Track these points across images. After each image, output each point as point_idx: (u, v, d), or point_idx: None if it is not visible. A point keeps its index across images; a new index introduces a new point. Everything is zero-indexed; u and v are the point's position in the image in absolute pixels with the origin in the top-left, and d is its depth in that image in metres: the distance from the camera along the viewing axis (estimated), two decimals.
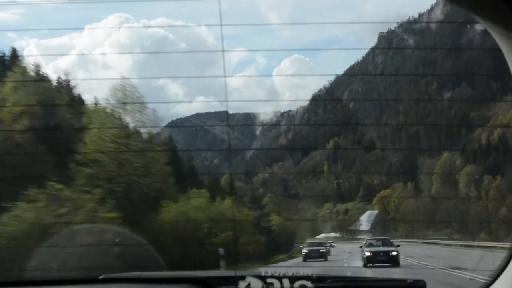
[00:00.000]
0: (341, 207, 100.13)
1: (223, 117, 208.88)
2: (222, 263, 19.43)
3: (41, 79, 25.18)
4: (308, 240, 38.33)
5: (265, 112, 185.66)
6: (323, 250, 36.38)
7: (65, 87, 30.71)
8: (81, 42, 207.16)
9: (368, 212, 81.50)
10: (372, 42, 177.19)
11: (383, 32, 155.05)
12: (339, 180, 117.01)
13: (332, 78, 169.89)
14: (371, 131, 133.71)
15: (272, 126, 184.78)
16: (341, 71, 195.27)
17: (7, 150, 18.45)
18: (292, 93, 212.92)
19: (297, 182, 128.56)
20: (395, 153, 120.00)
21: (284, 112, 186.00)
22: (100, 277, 2.92)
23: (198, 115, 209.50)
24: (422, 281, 2.78)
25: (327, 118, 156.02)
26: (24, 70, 23.12)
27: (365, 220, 79.97)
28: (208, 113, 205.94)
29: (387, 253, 27.23)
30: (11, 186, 16.93)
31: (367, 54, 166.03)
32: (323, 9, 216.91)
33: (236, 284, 2.67)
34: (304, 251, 36.78)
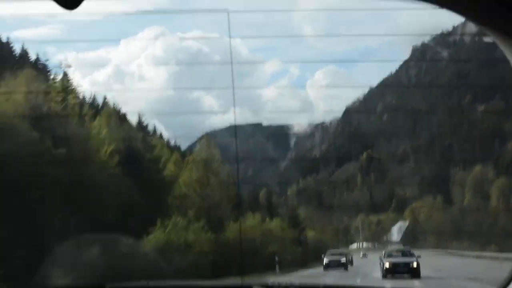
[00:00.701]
0: (373, 218, 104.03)
1: (259, 129, 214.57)
2: (277, 267, 26.01)
3: (123, 119, 30.65)
4: (329, 250, 40.51)
5: (299, 123, 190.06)
6: (343, 260, 37.23)
7: (142, 127, 36.52)
8: (117, 56, 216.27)
9: (399, 223, 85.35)
10: (406, 54, 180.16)
11: (416, 45, 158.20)
12: (372, 192, 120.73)
13: (366, 90, 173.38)
14: (405, 143, 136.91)
15: (307, 137, 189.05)
16: (375, 83, 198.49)
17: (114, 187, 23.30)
18: (327, 104, 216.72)
19: (331, 193, 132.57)
20: (427, 165, 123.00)
21: (318, 124, 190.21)
22: (107, 286, 2.82)
23: (232, 127, 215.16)
24: None
25: (361, 130, 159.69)
26: (110, 113, 28.26)
27: (396, 231, 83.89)
28: (243, 125, 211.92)
29: (407, 264, 26.96)
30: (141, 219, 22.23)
31: (401, 67, 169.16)
32: (356, 20, 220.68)
33: None
34: (325, 261, 37.63)
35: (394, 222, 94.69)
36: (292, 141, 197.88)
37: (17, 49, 52.46)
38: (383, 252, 30.02)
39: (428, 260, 35.06)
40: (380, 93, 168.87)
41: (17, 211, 18.01)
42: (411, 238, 75.32)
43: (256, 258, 26.83)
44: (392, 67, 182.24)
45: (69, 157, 20.33)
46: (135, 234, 21.45)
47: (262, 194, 67.00)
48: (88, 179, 20.51)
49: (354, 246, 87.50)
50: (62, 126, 21.65)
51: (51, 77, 27.92)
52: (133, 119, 39.47)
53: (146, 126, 36.97)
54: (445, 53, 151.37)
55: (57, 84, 24.90)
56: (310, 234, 48.65)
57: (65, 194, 17.99)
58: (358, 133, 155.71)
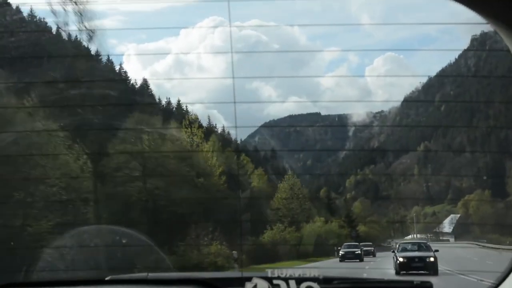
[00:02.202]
0: (429, 209, 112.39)
1: (316, 118, 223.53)
2: (335, 254, 36.99)
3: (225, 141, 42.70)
4: (345, 244, 42.74)
5: (358, 113, 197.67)
6: (358, 252, 39.56)
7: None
8: (176, 46, 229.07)
9: (451, 216, 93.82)
10: (465, 43, 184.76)
11: (476, 35, 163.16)
12: (429, 183, 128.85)
13: (424, 80, 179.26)
14: (462, 135, 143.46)
15: (365, 127, 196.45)
16: (433, 72, 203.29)
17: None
18: (386, 91, 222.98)
19: (388, 185, 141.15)
20: (484, 157, 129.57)
21: (377, 113, 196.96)
22: (106, 278, 3.00)
23: (291, 117, 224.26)
24: (429, 282, 2.89)
25: (419, 120, 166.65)
26: (214, 139, 39.31)
27: (447, 223, 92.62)
28: (301, 115, 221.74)
29: (423, 258, 25.68)
30: None
31: (460, 56, 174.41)
32: (415, 6, 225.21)
33: (243, 285, 2.75)
34: (341, 252, 39.85)
35: (448, 213, 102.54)
36: (351, 131, 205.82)
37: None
38: (397, 245, 29.24)
39: (453, 252, 41.52)
40: (439, 83, 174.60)
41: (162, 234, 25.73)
42: (462, 230, 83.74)
43: (322, 248, 39.68)
44: (451, 56, 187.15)
45: (206, 183, 31.41)
46: (251, 234, 34.22)
47: (322, 192, 78.17)
48: (214, 198, 31.38)
49: (409, 237, 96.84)
50: (197, 160, 32.47)
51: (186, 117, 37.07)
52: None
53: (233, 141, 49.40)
54: (504, 43, 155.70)
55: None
56: (362, 229, 59.73)
57: (204, 211, 28.32)
58: (416, 123, 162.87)
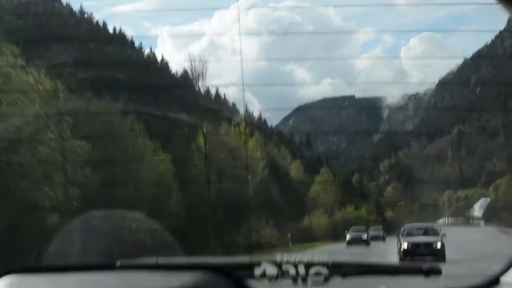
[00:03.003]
0: (461, 193, 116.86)
1: (351, 101, 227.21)
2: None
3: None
4: (352, 227, 43.64)
5: (392, 95, 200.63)
6: (364, 236, 40.38)
7: None
8: (210, 28, 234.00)
9: (482, 199, 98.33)
10: (502, 23, 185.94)
11: None
12: (462, 167, 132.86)
13: (460, 61, 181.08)
14: (496, 118, 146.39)
15: (400, 109, 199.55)
16: (469, 52, 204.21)
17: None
18: (421, 72, 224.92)
19: (422, 168, 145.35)
20: None
21: (412, 95, 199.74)
22: (117, 264, 3.05)
23: (325, 100, 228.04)
24: (438, 267, 2.88)
25: (454, 103, 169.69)
26: (257, 136, 45.41)
27: (478, 207, 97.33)
28: (335, 98, 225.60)
29: (429, 244, 24.47)
30: None
31: (496, 37, 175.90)
32: None
33: (252, 270, 2.81)
34: (348, 237, 40.42)
35: (480, 197, 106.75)
36: (385, 114, 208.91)
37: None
38: (402, 229, 27.41)
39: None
40: (474, 64, 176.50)
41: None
42: (492, 214, 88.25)
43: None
44: (487, 37, 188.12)
45: (253, 178, 37.87)
46: (295, 219, 41.45)
47: (355, 178, 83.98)
48: (260, 190, 37.89)
49: (441, 221, 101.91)
50: (244, 156, 38.65)
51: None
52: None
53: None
54: None
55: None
56: (389, 214, 65.93)
57: (256, 202, 35.11)
58: (451, 106, 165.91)
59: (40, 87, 19.21)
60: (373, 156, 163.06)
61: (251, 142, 42.05)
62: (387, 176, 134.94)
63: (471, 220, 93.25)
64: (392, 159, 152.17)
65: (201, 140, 34.88)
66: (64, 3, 62.10)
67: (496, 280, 2.63)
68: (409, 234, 26.27)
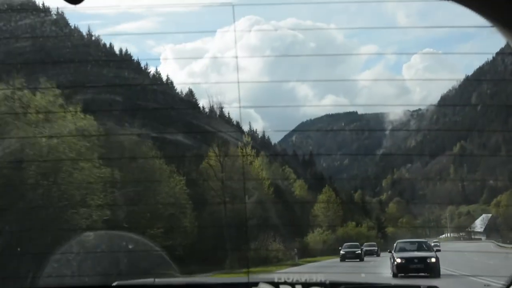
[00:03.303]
0: (463, 209, 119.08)
1: (354, 117, 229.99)
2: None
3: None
4: (346, 244, 43.73)
5: (394, 112, 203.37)
6: (358, 251, 40.65)
7: None
8: (213, 46, 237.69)
9: (483, 215, 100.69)
10: (503, 40, 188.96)
11: None
12: (464, 183, 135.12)
13: (462, 77, 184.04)
14: (497, 135, 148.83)
15: (402, 125, 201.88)
16: (471, 70, 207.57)
17: None
18: (423, 89, 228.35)
19: (424, 184, 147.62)
20: None
21: (414, 111, 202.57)
22: (113, 284, 3.07)
23: (328, 116, 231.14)
24: (435, 287, 2.91)
25: (456, 120, 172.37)
26: (262, 157, 48.23)
27: (479, 223, 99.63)
28: (338, 114, 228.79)
29: (423, 259, 24.02)
30: None
31: (497, 54, 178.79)
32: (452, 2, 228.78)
33: None
34: (342, 252, 40.74)
35: (483, 213, 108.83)
36: (388, 129, 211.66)
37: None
38: (394, 245, 26.88)
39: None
40: (476, 82, 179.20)
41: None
42: (493, 230, 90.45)
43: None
44: (489, 54, 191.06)
45: (259, 196, 40.55)
46: (299, 235, 43.95)
47: (357, 195, 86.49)
48: (267, 208, 40.56)
49: (443, 236, 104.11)
50: (251, 176, 41.60)
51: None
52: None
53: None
54: None
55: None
56: (390, 230, 68.65)
57: (263, 219, 37.76)
58: (452, 123, 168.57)
59: (78, 123, 21.82)
60: (376, 173, 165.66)
61: (257, 163, 44.82)
62: (389, 192, 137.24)
63: (472, 236, 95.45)
64: (395, 175, 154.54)
65: (211, 162, 37.66)
66: (72, 26, 64.78)
67: None
68: (402, 249, 25.92)
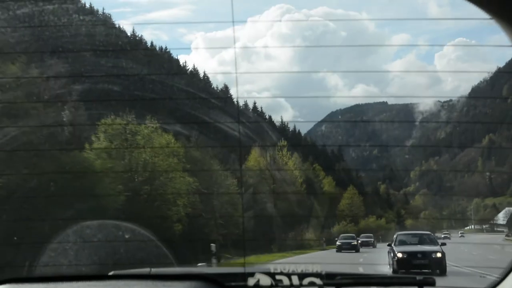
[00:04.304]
0: (489, 201, 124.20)
1: (383, 107, 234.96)
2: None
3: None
4: (342, 235, 44.85)
5: (425, 102, 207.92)
6: (354, 243, 41.76)
7: None
8: (244, 34, 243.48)
9: (506, 209, 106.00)
10: None
11: None
12: (492, 176, 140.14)
13: (493, 68, 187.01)
14: None
15: (432, 116, 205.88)
16: (502, 60, 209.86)
17: None
18: (455, 79, 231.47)
19: (452, 176, 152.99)
20: None
21: (445, 102, 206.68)
22: (109, 274, 3.13)
23: (357, 106, 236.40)
24: (432, 278, 2.91)
25: (485, 112, 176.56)
26: (296, 157, 56.19)
27: (502, 216, 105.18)
28: (368, 104, 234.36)
29: (427, 254, 22.17)
30: None
31: None
32: None
33: (245, 280, 2.85)
34: (338, 243, 42.09)
35: (508, 206, 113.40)
36: (418, 120, 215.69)
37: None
38: (394, 237, 24.93)
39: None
40: (508, 74, 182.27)
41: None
42: None
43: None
44: None
45: (292, 194, 48.12)
46: (326, 227, 51.77)
47: (382, 188, 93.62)
48: (299, 203, 48.66)
49: (467, 228, 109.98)
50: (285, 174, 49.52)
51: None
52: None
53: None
54: None
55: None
56: (408, 222, 76.22)
57: (297, 213, 45.89)
58: (482, 115, 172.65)
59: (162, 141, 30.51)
60: (405, 164, 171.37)
61: (291, 163, 52.56)
62: (417, 184, 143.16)
63: (495, 228, 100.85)
64: (423, 167, 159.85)
65: (252, 159, 45.57)
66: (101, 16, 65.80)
67: None
68: (403, 242, 23.81)
